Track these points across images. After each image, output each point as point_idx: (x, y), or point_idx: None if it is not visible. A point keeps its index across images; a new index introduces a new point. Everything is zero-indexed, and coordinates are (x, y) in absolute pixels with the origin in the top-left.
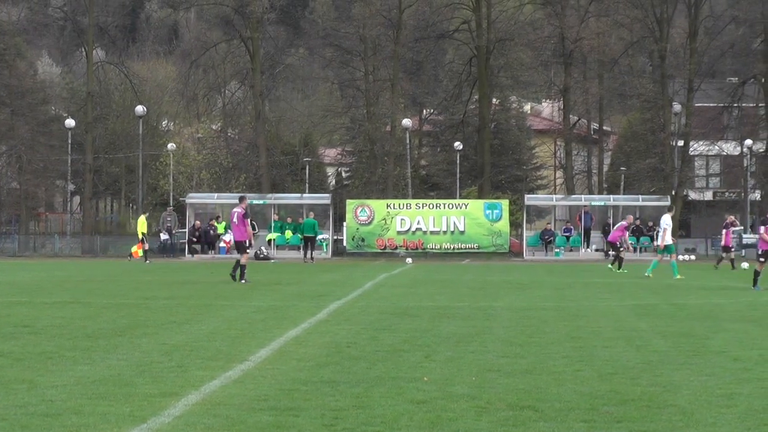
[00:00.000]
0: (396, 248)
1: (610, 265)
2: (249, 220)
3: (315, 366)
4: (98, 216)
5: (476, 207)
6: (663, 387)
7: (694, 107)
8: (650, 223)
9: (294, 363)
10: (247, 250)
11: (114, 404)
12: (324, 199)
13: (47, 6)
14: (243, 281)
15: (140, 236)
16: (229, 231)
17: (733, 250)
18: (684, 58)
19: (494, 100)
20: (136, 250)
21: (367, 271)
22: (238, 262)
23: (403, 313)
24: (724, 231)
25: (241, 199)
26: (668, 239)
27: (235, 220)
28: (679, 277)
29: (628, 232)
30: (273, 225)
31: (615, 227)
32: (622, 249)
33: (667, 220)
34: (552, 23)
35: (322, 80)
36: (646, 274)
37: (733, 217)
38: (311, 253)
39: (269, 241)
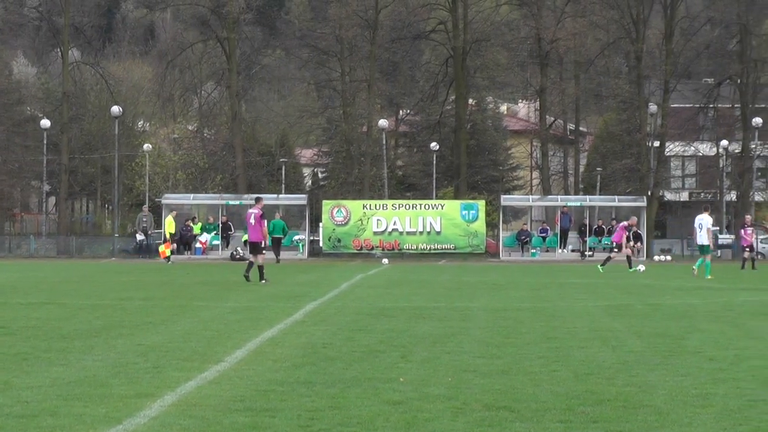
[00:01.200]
0: (372, 249)
1: (630, 269)
2: (265, 221)
3: (291, 367)
4: (74, 217)
5: (452, 207)
6: (638, 387)
7: (669, 108)
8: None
9: (270, 364)
10: (263, 251)
11: (89, 405)
12: (300, 199)
13: (22, 6)
14: (263, 281)
15: (167, 236)
16: (205, 232)
17: (748, 249)
18: (660, 59)
19: (470, 100)
20: (164, 250)
21: (344, 271)
22: (250, 263)
23: (379, 314)
24: (742, 231)
25: (258, 200)
26: (704, 239)
27: (251, 221)
28: (710, 277)
29: (627, 233)
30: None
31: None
32: (628, 247)
33: (705, 219)
34: (528, 24)
35: (298, 81)
36: (708, 277)
37: (749, 217)
38: (277, 253)
39: (245, 242)
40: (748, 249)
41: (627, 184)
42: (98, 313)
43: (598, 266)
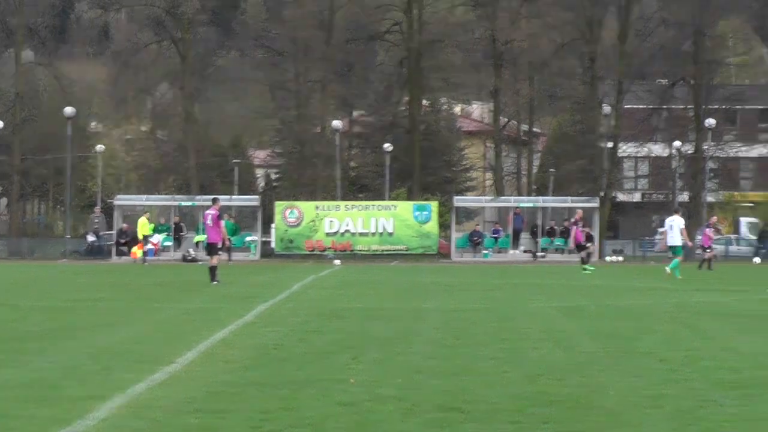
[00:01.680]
0: (324, 250)
1: (585, 270)
2: (223, 221)
3: (242, 368)
4: (25, 218)
5: (405, 208)
6: (590, 388)
7: (623, 109)
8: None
9: (221, 365)
10: (219, 252)
11: (40, 407)
12: (253, 200)
13: None
14: (215, 282)
15: (140, 237)
16: (157, 234)
17: (708, 249)
18: (614, 60)
19: (424, 101)
20: (135, 251)
21: (296, 272)
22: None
23: (331, 315)
24: (707, 229)
25: (215, 200)
26: (675, 240)
27: (209, 221)
28: (668, 271)
29: (576, 227)
30: (202, 227)
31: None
32: (589, 245)
33: (677, 221)
34: (483, 25)
35: (252, 82)
36: (667, 270)
37: (716, 218)
38: (228, 255)
39: (197, 243)
40: (708, 249)
41: (580, 184)
42: (50, 315)
43: (582, 268)
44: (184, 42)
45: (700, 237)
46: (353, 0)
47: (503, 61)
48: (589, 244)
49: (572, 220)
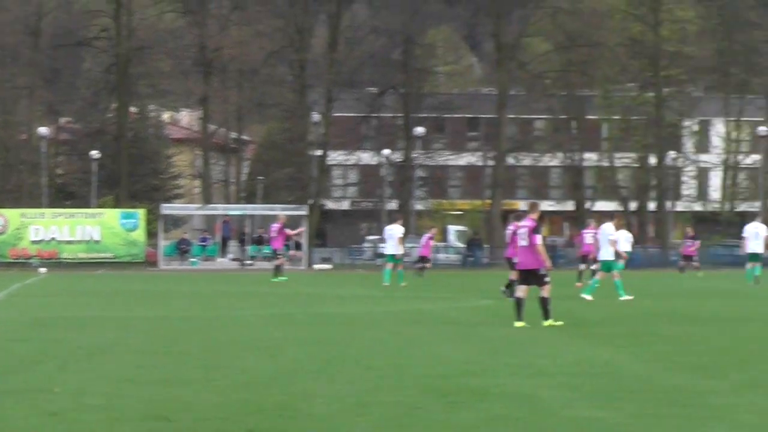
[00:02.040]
0: (30, 258)
1: (279, 278)
2: None
3: None
4: None
5: (112, 216)
6: (297, 395)
7: (333, 117)
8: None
9: None
10: None
11: None
12: None
13: None
14: None
15: None
16: None
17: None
18: (324, 68)
19: (133, 108)
20: None
21: (0, 281)
22: None
23: (36, 324)
24: (426, 238)
25: None
26: (393, 249)
27: None
28: (403, 283)
29: (285, 231)
30: None
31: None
32: (280, 256)
33: (396, 230)
34: (192, 32)
35: None
36: (402, 284)
37: (436, 229)
38: None
39: None
40: (426, 259)
41: (289, 192)
42: None
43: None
44: None
45: (414, 245)
46: (61, 5)
47: (212, 68)
48: (281, 254)
49: (276, 226)
